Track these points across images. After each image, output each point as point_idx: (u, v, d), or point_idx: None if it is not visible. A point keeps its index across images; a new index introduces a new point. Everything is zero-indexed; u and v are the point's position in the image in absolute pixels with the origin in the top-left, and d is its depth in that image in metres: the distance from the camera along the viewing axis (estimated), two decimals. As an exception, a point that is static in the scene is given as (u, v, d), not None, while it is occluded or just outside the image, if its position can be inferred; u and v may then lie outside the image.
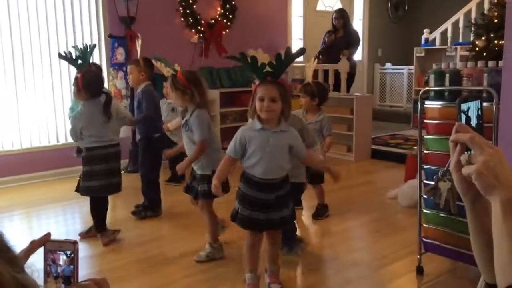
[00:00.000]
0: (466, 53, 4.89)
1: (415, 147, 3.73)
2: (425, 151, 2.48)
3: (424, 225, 2.52)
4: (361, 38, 6.65)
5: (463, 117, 0.78)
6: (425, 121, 2.46)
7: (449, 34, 6.76)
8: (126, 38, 5.00)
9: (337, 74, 5.73)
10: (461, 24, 6.54)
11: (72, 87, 3.17)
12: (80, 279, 0.74)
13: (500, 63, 2.32)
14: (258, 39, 6.02)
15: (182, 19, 5.66)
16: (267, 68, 2.21)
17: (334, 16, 6.09)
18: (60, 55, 3.36)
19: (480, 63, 2.43)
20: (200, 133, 2.67)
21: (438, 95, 2.45)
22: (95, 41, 5.08)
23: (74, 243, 0.74)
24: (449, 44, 6.67)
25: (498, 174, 0.68)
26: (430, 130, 2.46)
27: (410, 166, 4.03)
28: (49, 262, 0.74)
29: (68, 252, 0.73)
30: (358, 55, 7.18)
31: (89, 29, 5.06)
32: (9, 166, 4.56)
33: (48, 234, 0.75)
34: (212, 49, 5.91)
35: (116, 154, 3.12)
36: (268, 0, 6.44)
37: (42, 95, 4.81)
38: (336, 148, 5.35)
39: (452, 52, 6.55)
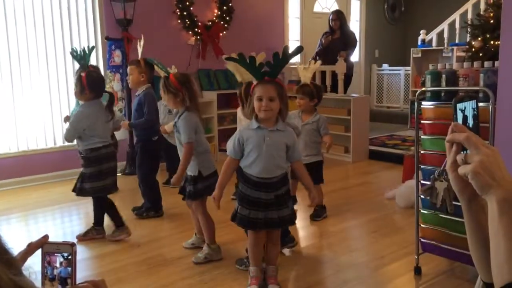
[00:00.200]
0: (463, 54, 4.91)
1: (412, 148, 3.73)
2: (422, 152, 2.48)
3: (422, 225, 2.53)
4: (358, 39, 6.66)
5: (460, 116, 0.78)
6: (422, 121, 2.47)
7: (445, 35, 6.78)
8: (123, 41, 5.00)
9: (334, 75, 5.74)
10: (457, 25, 6.56)
11: (74, 88, 3.12)
12: (79, 281, 0.74)
13: (496, 63, 2.33)
14: (255, 40, 6.04)
15: (179, 21, 5.66)
16: (265, 68, 2.23)
17: (331, 17, 6.10)
18: (71, 52, 3.41)
19: (476, 64, 2.44)
20: (186, 136, 2.69)
21: (435, 96, 2.45)
22: (92, 44, 5.07)
23: (72, 245, 0.74)
24: (445, 45, 6.69)
25: (494, 173, 0.69)
26: (427, 130, 2.47)
27: (408, 167, 4.05)
28: (47, 264, 0.74)
29: (66, 254, 0.73)
30: (355, 56, 7.20)
31: (86, 32, 5.06)
32: (6, 169, 4.55)
33: (46, 237, 0.75)
34: (209, 51, 5.91)
35: (114, 153, 3.23)
36: (265, 2, 6.45)
37: (39, 98, 4.80)
38: (334, 149, 5.33)
39: (448, 53, 6.57)
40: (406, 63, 7.57)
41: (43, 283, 0.73)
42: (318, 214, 3.51)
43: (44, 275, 0.74)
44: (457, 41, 6.57)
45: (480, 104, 2.12)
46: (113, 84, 4.97)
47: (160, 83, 2.81)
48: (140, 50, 3.75)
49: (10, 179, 4.57)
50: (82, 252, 2.98)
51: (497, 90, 2.22)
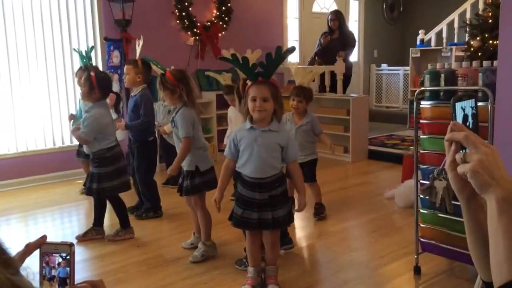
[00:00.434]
0: (461, 54, 4.91)
1: (412, 148, 3.73)
2: (421, 151, 2.48)
3: (421, 225, 2.53)
4: (356, 39, 6.66)
5: (460, 115, 0.78)
6: (421, 121, 2.47)
7: (444, 34, 6.78)
8: (122, 41, 5.00)
9: (333, 75, 5.74)
10: (456, 25, 6.57)
11: (82, 88, 3.12)
12: (78, 282, 0.74)
13: (495, 62, 2.33)
14: (254, 41, 6.03)
15: (178, 21, 5.66)
16: (258, 69, 2.23)
17: (329, 17, 6.10)
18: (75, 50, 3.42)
19: (475, 63, 2.44)
20: (184, 130, 2.70)
21: (434, 95, 2.46)
22: (91, 44, 5.07)
23: (70, 245, 0.74)
24: (444, 45, 6.70)
25: (493, 172, 0.69)
26: (426, 130, 2.47)
27: (407, 167, 4.04)
28: (45, 264, 0.74)
29: (64, 255, 0.73)
30: (354, 56, 7.19)
31: (85, 32, 5.05)
32: (6, 170, 4.54)
33: (44, 237, 0.75)
34: (208, 51, 5.91)
35: (123, 152, 3.28)
36: (263, 2, 6.45)
37: (38, 99, 4.80)
38: (333, 149, 5.35)
39: (447, 53, 6.57)
40: (405, 63, 7.57)
41: (41, 283, 0.73)
42: (319, 211, 3.53)
43: (42, 275, 0.74)
44: (456, 40, 6.57)
45: (479, 103, 2.12)
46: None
47: (157, 80, 2.81)
48: (138, 51, 3.75)
49: (10, 180, 4.56)
50: (81, 253, 2.98)
51: (496, 89, 2.23)
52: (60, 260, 0.73)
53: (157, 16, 5.48)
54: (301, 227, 3.44)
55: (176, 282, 2.56)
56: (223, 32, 6.03)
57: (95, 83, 2.97)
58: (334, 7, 7.36)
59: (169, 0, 5.55)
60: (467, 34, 4.25)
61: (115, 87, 4.96)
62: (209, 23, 5.90)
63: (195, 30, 5.76)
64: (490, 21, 3.80)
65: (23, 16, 4.65)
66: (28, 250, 0.74)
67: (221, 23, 5.99)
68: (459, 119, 0.78)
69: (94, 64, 4.84)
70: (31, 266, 0.69)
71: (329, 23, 6.07)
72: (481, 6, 5.75)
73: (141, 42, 3.77)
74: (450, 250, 2.39)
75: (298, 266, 2.75)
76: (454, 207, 1.94)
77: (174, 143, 2.92)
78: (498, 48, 2.30)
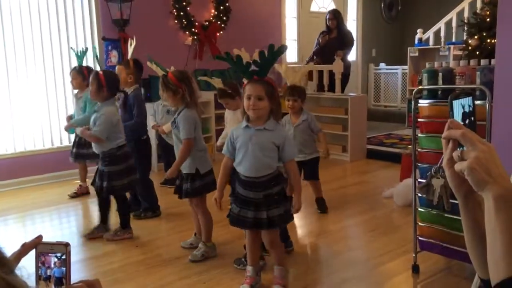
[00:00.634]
0: (460, 53, 4.91)
1: (410, 146, 3.74)
2: (419, 150, 2.49)
3: (420, 223, 2.53)
4: (355, 38, 6.66)
5: (460, 113, 0.78)
6: (419, 120, 2.47)
7: (442, 33, 6.79)
8: (120, 41, 4.99)
9: (331, 74, 5.74)
10: (454, 24, 6.57)
11: (89, 87, 3.09)
12: (76, 282, 0.73)
13: (493, 61, 2.33)
14: (252, 40, 6.02)
15: (176, 21, 5.66)
16: (253, 67, 2.23)
17: (327, 17, 6.10)
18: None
19: (472, 62, 2.45)
20: (185, 132, 2.70)
21: (432, 94, 2.46)
22: (89, 44, 5.07)
23: (66, 245, 0.74)
24: (442, 44, 6.70)
25: (490, 169, 0.69)
26: (423, 128, 2.47)
27: (405, 165, 4.04)
28: (41, 264, 0.74)
29: (59, 254, 0.73)
30: (352, 56, 7.20)
31: (82, 32, 5.04)
32: (3, 170, 4.53)
33: (40, 237, 0.75)
34: (206, 51, 5.91)
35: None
36: (262, 2, 6.44)
37: (36, 99, 4.79)
38: (332, 148, 5.33)
39: (445, 52, 6.58)
40: (403, 62, 7.57)
41: (37, 283, 0.73)
42: (323, 206, 3.62)
43: (38, 275, 0.73)
44: (454, 39, 6.58)
45: (477, 102, 2.12)
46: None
47: (159, 82, 2.81)
48: (130, 51, 3.74)
49: (7, 180, 4.55)
50: (80, 253, 2.98)
51: (494, 87, 2.23)
52: (56, 260, 0.73)
53: (155, 15, 5.47)
54: (300, 225, 3.44)
55: (175, 281, 2.56)
56: (221, 32, 6.02)
57: (103, 82, 2.97)
58: (332, 6, 7.35)
59: (167, -1, 5.55)
60: (465, 33, 4.25)
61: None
62: (207, 23, 5.90)
63: (193, 29, 5.76)
64: (488, 19, 3.80)
65: (21, 16, 4.64)
66: (24, 250, 0.73)
67: (219, 22, 5.98)
68: (458, 116, 0.78)
69: (92, 64, 4.84)
70: (27, 266, 0.69)
71: (327, 23, 6.07)
72: (479, 4, 5.75)
73: (133, 43, 3.77)
74: (448, 248, 2.40)
75: (297, 264, 2.75)
76: (452, 205, 1.94)
77: (173, 143, 2.92)
78: (495, 47, 2.30)
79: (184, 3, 5.64)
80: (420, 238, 2.54)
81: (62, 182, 4.73)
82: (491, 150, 0.70)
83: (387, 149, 5.48)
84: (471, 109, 0.80)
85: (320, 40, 6.10)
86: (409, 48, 7.17)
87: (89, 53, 4.78)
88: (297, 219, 3.48)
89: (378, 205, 3.80)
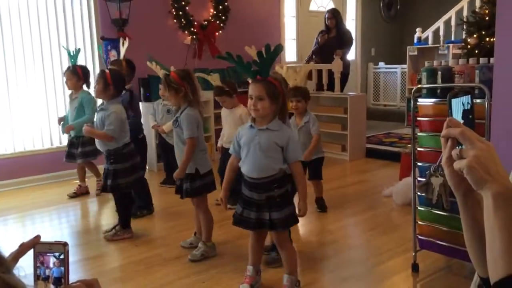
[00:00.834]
0: (459, 51, 4.92)
1: (409, 145, 3.74)
2: (418, 149, 2.48)
3: (419, 222, 2.53)
4: (354, 37, 6.66)
5: (460, 111, 0.78)
6: (418, 118, 2.47)
7: (441, 32, 6.79)
8: (119, 41, 4.98)
9: (330, 73, 5.74)
10: (453, 23, 6.57)
11: (95, 86, 3.07)
12: (74, 281, 0.73)
13: (492, 59, 2.33)
14: (251, 40, 5.99)
15: (174, 20, 5.65)
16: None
17: (326, 16, 6.09)
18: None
19: (471, 60, 2.45)
20: (189, 131, 2.69)
21: (431, 93, 2.46)
22: (88, 44, 5.07)
23: (64, 244, 0.73)
24: (441, 43, 6.70)
25: (489, 168, 0.69)
26: (423, 127, 2.47)
27: (405, 164, 4.05)
28: (40, 264, 0.73)
29: (58, 254, 0.73)
30: (351, 55, 7.20)
31: (81, 32, 5.04)
32: (3, 170, 4.53)
33: (38, 237, 0.75)
34: (205, 51, 5.90)
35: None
36: (261, 1, 6.44)
37: (35, 99, 4.78)
38: (331, 147, 5.36)
39: (444, 51, 6.58)
40: (403, 61, 7.57)
41: (35, 283, 0.73)
42: (323, 205, 3.64)
43: (36, 275, 0.73)
44: (453, 38, 6.58)
45: (476, 100, 2.13)
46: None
47: (162, 80, 2.80)
48: (122, 52, 3.73)
49: (7, 180, 4.55)
50: (79, 253, 2.98)
51: (493, 86, 2.23)
52: (54, 259, 0.73)
53: (154, 15, 5.46)
54: (299, 224, 3.42)
55: (174, 281, 2.56)
56: (220, 31, 6.02)
57: (109, 80, 2.96)
58: (331, 5, 7.36)
59: (165, -1, 5.54)
60: (464, 32, 4.26)
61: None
62: (206, 22, 5.89)
63: (192, 29, 5.75)
64: (487, 18, 3.80)
65: (20, 16, 4.63)
66: (22, 250, 0.73)
67: (218, 22, 5.98)
68: (458, 114, 0.78)
69: (91, 64, 4.84)
70: (26, 267, 0.68)
71: (326, 22, 6.07)
72: (477, 3, 5.75)
73: (126, 43, 3.76)
74: (447, 247, 2.40)
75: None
76: (451, 203, 1.94)
77: (172, 142, 2.91)
78: (494, 45, 2.30)
79: (183, 3, 5.63)
80: (419, 237, 2.54)
81: (62, 182, 4.72)
82: (490, 149, 0.70)
83: (386, 148, 5.49)
84: (469, 107, 0.80)
85: (319, 40, 6.10)
86: (408, 47, 7.16)
87: (89, 53, 4.79)
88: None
89: (378, 204, 3.80)
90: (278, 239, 2.35)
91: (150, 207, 3.66)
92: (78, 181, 4.31)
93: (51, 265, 0.73)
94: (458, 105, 0.79)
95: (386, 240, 3.02)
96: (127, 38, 3.78)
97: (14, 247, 0.75)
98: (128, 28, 5.11)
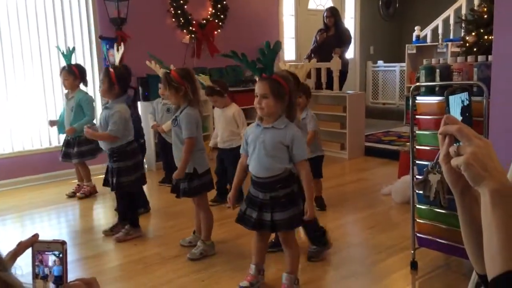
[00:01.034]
0: (457, 49, 4.92)
1: (408, 143, 3.74)
2: (417, 147, 2.49)
3: (418, 220, 2.53)
4: (352, 36, 6.66)
5: (457, 108, 0.78)
6: (417, 116, 2.47)
7: (440, 30, 6.79)
8: (117, 40, 4.97)
9: (329, 72, 5.74)
10: (451, 21, 6.57)
11: (100, 85, 3.06)
12: (73, 280, 0.73)
13: (490, 57, 2.33)
14: (250, 38, 6.02)
15: (173, 19, 5.64)
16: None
17: (325, 14, 6.09)
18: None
19: (470, 58, 2.45)
20: (188, 131, 2.69)
21: (429, 91, 2.46)
22: (86, 43, 5.06)
23: (63, 243, 0.73)
24: (440, 41, 6.70)
25: (486, 164, 0.68)
26: (421, 125, 2.47)
27: (404, 163, 4.05)
28: (38, 263, 0.73)
29: (57, 253, 0.73)
30: (350, 53, 7.20)
31: (80, 31, 5.03)
32: (1, 170, 4.52)
33: (36, 235, 0.74)
34: (204, 50, 5.90)
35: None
36: (259, 0, 6.43)
37: (33, 98, 4.77)
38: (330, 146, 5.36)
39: (443, 49, 6.58)
40: (401, 60, 7.57)
41: (34, 282, 0.73)
42: (322, 204, 3.63)
43: (35, 274, 0.73)
44: (451, 36, 6.58)
45: (474, 98, 2.13)
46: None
47: (162, 79, 2.80)
48: (118, 57, 3.72)
49: (5, 180, 4.54)
50: (79, 252, 2.98)
51: (491, 84, 2.23)
52: (53, 258, 0.73)
53: (152, 14, 5.46)
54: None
55: (174, 280, 2.56)
56: (219, 30, 6.01)
57: (114, 79, 2.96)
58: (329, 4, 7.36)
59: (164, -2, 5.53)
60: (462, 30, 4.26)
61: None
62: (204, 21, 5.88)
63: (190, 28, 5.74)
64: (485, 16, 3.81)
65: (18, 15, 4.62)
66: (20, 248, 0.73)
67: (216, 21, 5.97)
68: (456, 111, 0.78)
69: (89, 63, 4.83)
70: (24, 266, 0.68)
71: (325, 20, 6.06)
72: (476, 1, 5.75)
73: (121, 48, 3.74)
74: (446, 244, 2.40)
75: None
76: (449, 201, 1.94)
77: (172, 141, 2.91)
78: (492, 43, 2.30)
79: (181, 2, 5.63)
80: (418, 234, 2.54)
81: (60, 181, 4.72)
82: (488, 146, 0.70)
83: (385, 147, 5.49)
84: (467, 104, 0.80)
85: (318, 38, 6.10)
86: (407, 45, 7.16)
87: (87, 52, 4.78)
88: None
89: (377, 202, 3.81)
90: (284, 238, 2.33)
91: (146, 205, 3.66)
92: (76, 181, 4.31)
93: (50, 263, 0.73)
94: (455, 102, 0.79)
95: (385, 238, 3.03)
96: (122, 44, 3.77)
97: (12, 247, 0.74)
98: (126, 27, 5.10)
